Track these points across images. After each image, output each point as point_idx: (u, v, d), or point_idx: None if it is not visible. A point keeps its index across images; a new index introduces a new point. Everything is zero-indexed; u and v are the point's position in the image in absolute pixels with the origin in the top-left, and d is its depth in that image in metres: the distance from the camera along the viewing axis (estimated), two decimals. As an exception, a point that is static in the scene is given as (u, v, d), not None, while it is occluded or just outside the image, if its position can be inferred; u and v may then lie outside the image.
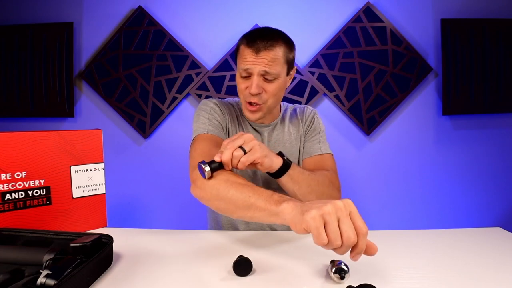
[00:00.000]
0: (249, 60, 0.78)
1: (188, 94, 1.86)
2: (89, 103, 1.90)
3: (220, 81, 1.82)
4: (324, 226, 0.44)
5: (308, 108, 0.99)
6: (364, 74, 1.80)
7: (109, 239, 0.58)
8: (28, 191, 0.70)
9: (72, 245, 0.52)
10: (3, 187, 0.67)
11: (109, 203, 0.83)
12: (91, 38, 1.86)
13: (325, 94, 1.84)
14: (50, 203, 0.73)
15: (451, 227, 0.80)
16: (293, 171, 0.72)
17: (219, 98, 1.29)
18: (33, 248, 0.54)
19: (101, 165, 0.81)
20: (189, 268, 0.55)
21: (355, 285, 0.44)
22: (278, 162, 0.69)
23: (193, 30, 1.85)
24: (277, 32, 0.82)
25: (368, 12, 1.78)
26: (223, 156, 0.62)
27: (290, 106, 1.00)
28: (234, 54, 0.89)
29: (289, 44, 0.82)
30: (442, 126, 1.86)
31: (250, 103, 0.82)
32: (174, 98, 1.85)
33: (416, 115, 1.85)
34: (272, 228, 0.92)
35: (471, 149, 1.86)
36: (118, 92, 1.85)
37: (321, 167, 0.85)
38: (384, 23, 1.78)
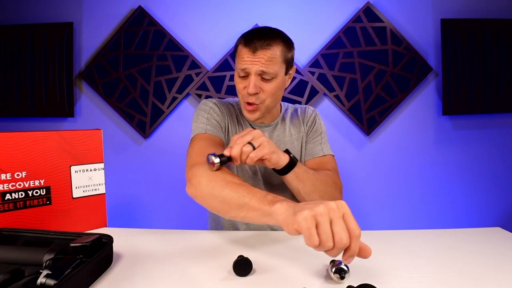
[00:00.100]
0: (246, 59, 0.78)
1: (188, 94, 1.86)
2: (89, 103, 1.90)
3: (220, 81, 1.82)
4: (316, 227, 0.43)
5: (310, 109, 0.98)
6: (364, 74, 1.80)
7: (109, 239, 0.58)
8: (28, 191, 0.70)
9: (72, 245, 0.52)
10: (3, 187, 0.67)
11: (109, 203, 0.83)
12: (91, 38, 1.86)
13: (325, 94, 1.84)
14: (50, 203, 0.73)
15: (451, 227, 0.80)
16: (299, 169, 0.74)
17: (219, 98, 1.29)
18: (33, 248, 0.54)
19: (101, 165, 0.81)
20: (189, 268, 0.55)
21: (355, 285, 0.44)
22: (285, 159, 0.71)
23: (193, 30, 1.85)
24: (275, 31, 0.81)
25: (368, 12, 1.78)
26: (233, 150, 0.62)
27: (291, 106, 1.00)
28: (233, 54, 0.89)
29: (288, 43, 0.81)
30: (442, 126, 1.86)
31: (248, 103, 0.82)
32: (174, 98, 1.85)
33: (416, 115, 1.85)
34: (272, 228, 0.92)
35: (471, 149, 1.86)
36: (118, 92, 1.85)
37: (324, 168, 0.85)
38: (384, 23, 1.78)
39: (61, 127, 1.90)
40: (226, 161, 0.64)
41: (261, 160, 0.66)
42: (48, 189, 0.73)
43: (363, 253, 0.45)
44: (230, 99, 0.99)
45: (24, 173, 0.70)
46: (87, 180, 0.79)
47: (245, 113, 0.85)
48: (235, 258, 0.53)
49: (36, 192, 0.72)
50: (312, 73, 1.82)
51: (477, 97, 1.79)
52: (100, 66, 1.84)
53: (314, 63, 1.81)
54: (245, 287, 0.49)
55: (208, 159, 0.64)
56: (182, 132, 1.85)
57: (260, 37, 0.77)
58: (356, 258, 0.45)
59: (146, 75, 1.84)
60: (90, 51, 1.87)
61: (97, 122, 1.89)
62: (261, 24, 1.74)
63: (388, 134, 1.86)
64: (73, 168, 0.77)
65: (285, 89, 1.00)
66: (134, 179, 1.90)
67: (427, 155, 1.86)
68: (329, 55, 1.80)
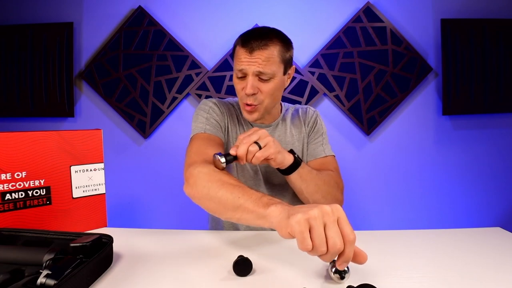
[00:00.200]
0: (243, 60, 0.77)
1: (188, 94, 1.86)
2: (89, 103, 1.90)
3: (220, 81, 1.82)
4: (310, 231, 0.42)
5: (310, 109, 0.98)
6: (364, 74, 1.80)
7: (109, 239, 0.58)
8: (28, 191, 0.70)
9: (72, 245, 0.52)
10: (3, 187, 0.67)
11: (109, 203, 0.83)
12: (91, 38, 1.86)
13: (325, 94, 1.84)
14: (50, 203, 0.73)
15: (451, 227, 0.80)
16: (303, 169, 0.74)
17: (219, 98, 1.29)
18: (33, 248, 0.54)
19: (101, 165, 0.81)
20: (189, 268, 0.55)
21: (355, 285, 0.44)
22: (289, 159, 0.72)
23: (193, 30, 1.85)
24: (273, 31, 0.81)
25: (368, 12, 1.78)
26: (239, 150, 0.63)
27: (291, 107, 1.00)
28: (232, 54, 0.89)
29: (285, 43, 0.81)
30: (442, 126, 1.86)
31: (246, 104, 0.82)
32: (174, 98, 1.85)
33: (416, 115, 1.85)
34: (272, 228, 0.92)
35: (471, 149, 1.86)
36: (118, 92, 1.85)
37: (326, 169, 0.85)
38: (384, 23, 1.78)
39: (61, 127, 1.90)
40: (232, 161, 0.64)
41: (266, 159, 0.67)
42: (48, 189, 0.73)
43: (358, 258, 0.45)
44: (230, 99, 0.99)
45: (24, 173, 0.70)
46: (87, 180, 0.79)
47: (244, 114, 0.85)
48: (235, 258, 0.53)
49: (36, 192, 0.72)
50: (312, 73, 1.82)
51: (477, 97, 1.79)
52: (100, 66, 1.84)
53: (314, 63, 1.81)
54: (245, 287, 0.49)
55: (214, 159, 0.65)
56: (182, 132, 1.85)
57: (257, 37, 0.77)
58: (355, 259, 0.45)
59: (146, 75, 1.84)
60: (90, 51, 1.87)
61: (97, 122, 1.89)
62: (261, 24, 1.74)
63: (388, 134, 1.86)
64: (73, 168, 0.77)
65: (285, 89, 1.00)
66: (134, 179, 1.90)
67: (427, 155, 1.86)
68: (329, 55, 1.80)
